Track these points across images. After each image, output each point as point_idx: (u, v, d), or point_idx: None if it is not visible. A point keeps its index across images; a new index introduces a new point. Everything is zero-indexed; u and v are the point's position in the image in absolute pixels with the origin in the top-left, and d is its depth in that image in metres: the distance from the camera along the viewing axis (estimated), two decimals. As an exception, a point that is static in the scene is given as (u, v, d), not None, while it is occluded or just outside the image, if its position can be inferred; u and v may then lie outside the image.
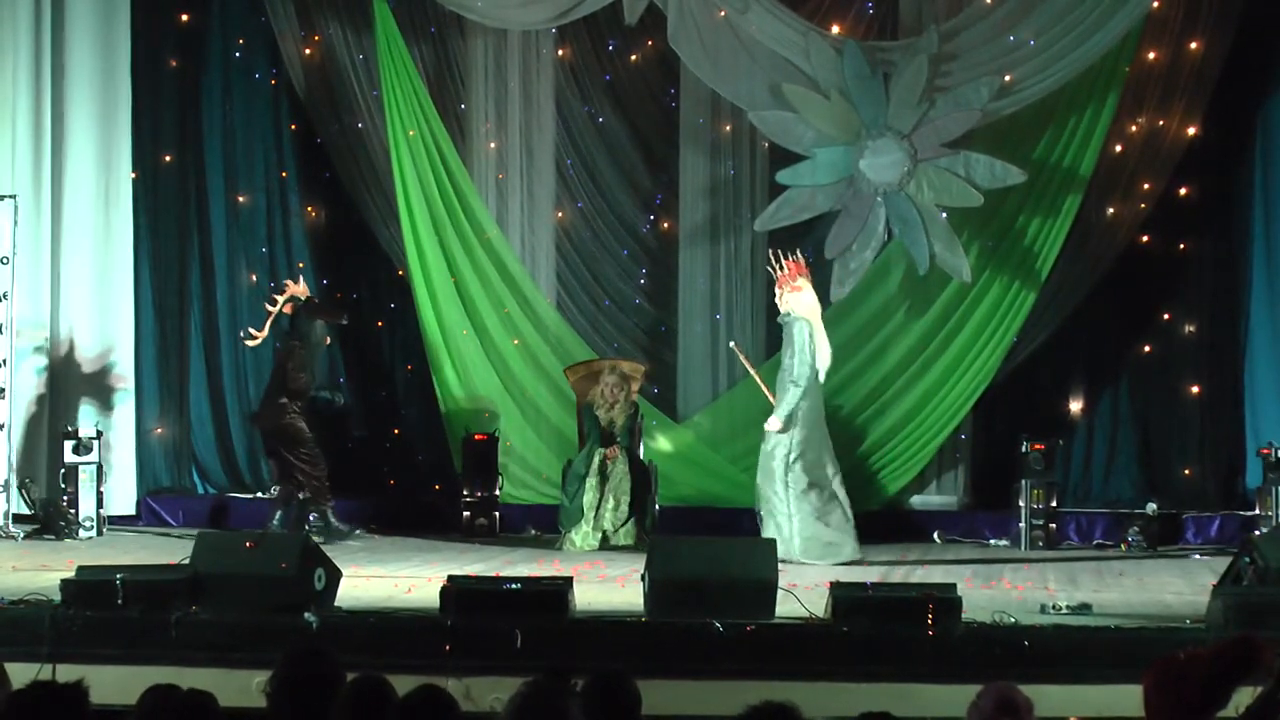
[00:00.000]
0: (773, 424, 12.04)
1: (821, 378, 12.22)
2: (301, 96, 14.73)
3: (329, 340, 13.94)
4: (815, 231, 13.97)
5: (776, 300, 12.41)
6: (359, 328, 15.00)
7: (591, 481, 12.90)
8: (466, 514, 13.59)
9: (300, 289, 13.51)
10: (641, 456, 13.26)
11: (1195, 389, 14.08)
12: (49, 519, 13.09)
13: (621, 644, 8.32)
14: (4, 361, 13.28)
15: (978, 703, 4.69)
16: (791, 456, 12.01)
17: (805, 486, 12.03)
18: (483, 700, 7.41)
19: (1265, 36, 13.68)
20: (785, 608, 8.74)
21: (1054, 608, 9.08)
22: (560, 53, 14.52)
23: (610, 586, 10.28)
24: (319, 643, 6.45)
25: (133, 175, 14.39)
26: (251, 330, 13.61)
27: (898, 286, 13.96)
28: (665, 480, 13.44)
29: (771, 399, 12.31)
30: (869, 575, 10.92)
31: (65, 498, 13.21)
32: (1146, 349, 14.21)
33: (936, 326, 13.92)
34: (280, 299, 13.43)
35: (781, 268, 12.36)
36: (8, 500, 13.27)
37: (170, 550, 11.12)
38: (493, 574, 10.27)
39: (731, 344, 12.81)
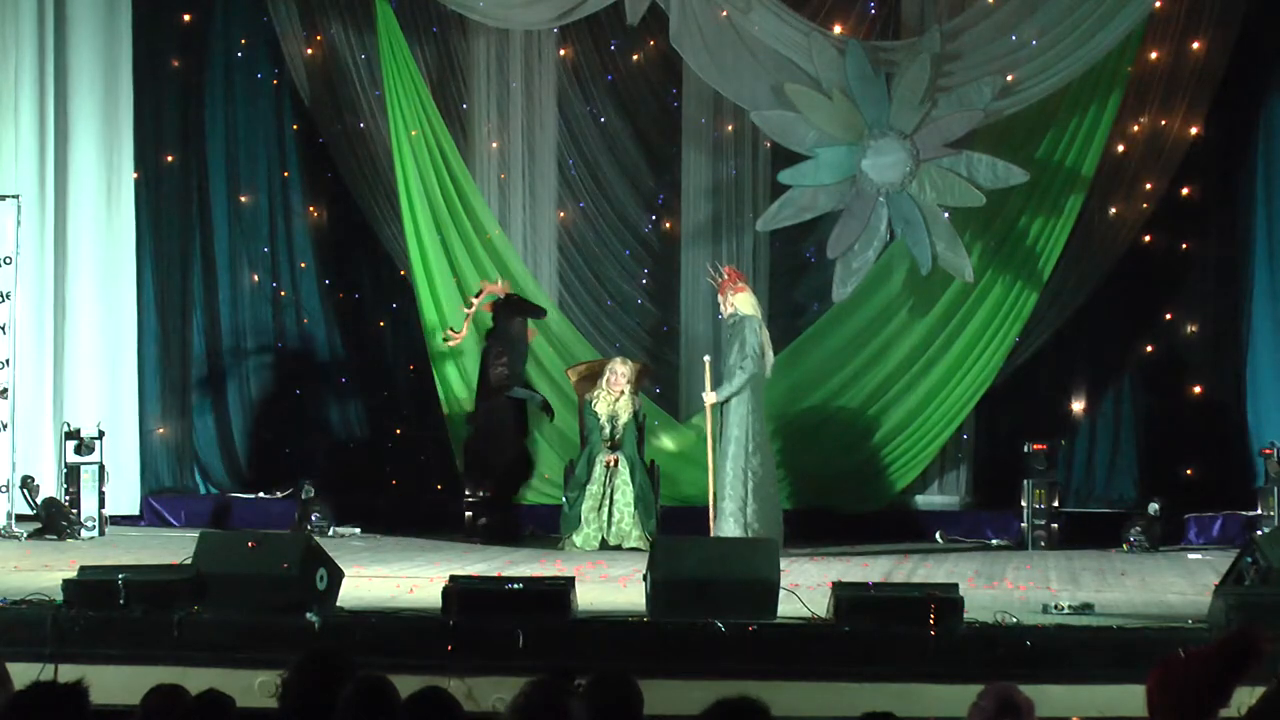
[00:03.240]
0: (710, 397, 12.40)
1: (767, 373, 12.48)
2: (304, 96, 14.74)
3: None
4: (817, 231, 13.99)
5: (720, 305, 12.65)
6: (360, 328, 15.03)
7: (592, 489, 12.87)
8: (468, 514, 13.59)
9: (497, 287, 13.68)
10: (644, 456, 13.24)
11: (1197, 389, 14.09)
12: (51, 519, 13.09)
13: (624, 644, 8.32)
14: (7, 361, 13.28)
15: (979, 703, 4.68)
16: (750, 448, 12.25)
17: (759, 482, 12.27)
18: (485, 700, 7.41)
19: (1267, 36, 13.67)
20: (787, 608, 8.74)
21: (1056, 607, 9.08)
22: (562, 52, 14.53)
23: (612, 586, 10.28)
24: (335, 645, 6.44)
25: (135, 175, 14.41)
26: (450, 330, 13.77)
27: (900, 286, 13.97)
28: (668, 480, 13.43)
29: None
30: (871, 575, 10.94)
31: (67, 497, 13.21)
32: (1149, 349, 14.21)
33: (939, 326, 13.92)
34: (475, 300, 13.61)
35: (721, 275, 12.61)
36: (10, 500, 13.27)
37: (172, 550, 11.12)
38: (495, 574, 10.29)
39: (706, 359, 12.79)
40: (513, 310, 13.63)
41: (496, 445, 13.59)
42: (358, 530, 13.68)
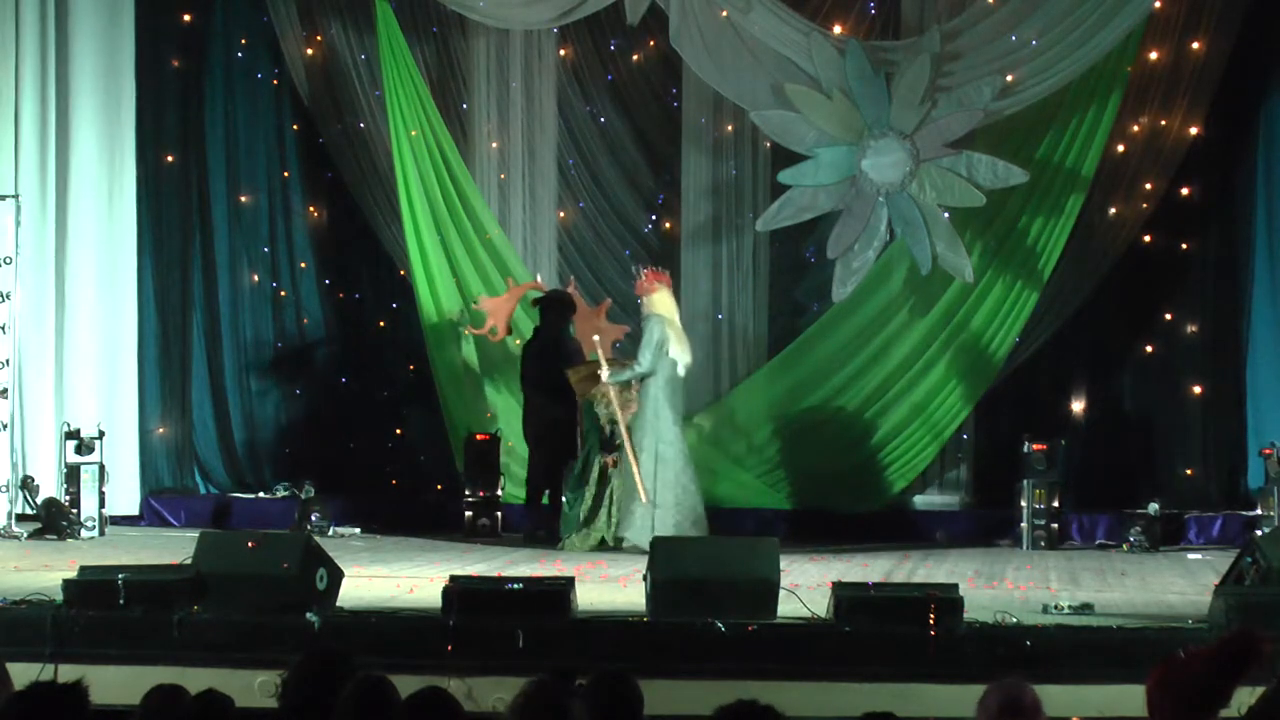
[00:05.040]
0: (603, 371, 12.61)
1: (681, 371, 12.60)
2: (304, 97, 14.75)
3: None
4: (817, 231, 13.99)
5: (641, 305, 12.85)
6: (360, 328, 15.03)
7: (592, 490, 12.87)
8: (468, 514, 13.59)
9: (526, 286, 13.84)
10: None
11: (1197, 389, 14.09)
12: (51, 519, 13.08)
13: (624, 644, 8.32)
14: (7, 362, 13.28)
15: (984, 700, 4.66)
16: (659, 446, 12.40)
17: (675, 475, 12.40)
18: (485, 700, 7.41)
19: (1267, 36, 13.68)
20: (787, 607, 8.74)
21: (1056, 607, 9.08)
22: (562, 52, 14.53)
23: (612, 586, 10.27)
24: (335, 645, 6.44)
25: (135, 175, 14.39)
26: (470, 328, 14.07)
27: (900, 286, 13.97)
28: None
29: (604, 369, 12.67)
30: (871, 575, 10.94)
31: (67, 497, 13.20)
32: (1149, 349, 14.22)
33: (939, 326, 13.92)
34: (485, 299, 13.84)
35: (641, 276, 12.80)
36: (10, 500, 13.27)
37: (172, 550, 11.11)
38: (495, 574, 10.29)
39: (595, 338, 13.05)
40: (544, 308, 13.60)
41: (536, 442, 13.55)
42: (358, 530, 13.67)
